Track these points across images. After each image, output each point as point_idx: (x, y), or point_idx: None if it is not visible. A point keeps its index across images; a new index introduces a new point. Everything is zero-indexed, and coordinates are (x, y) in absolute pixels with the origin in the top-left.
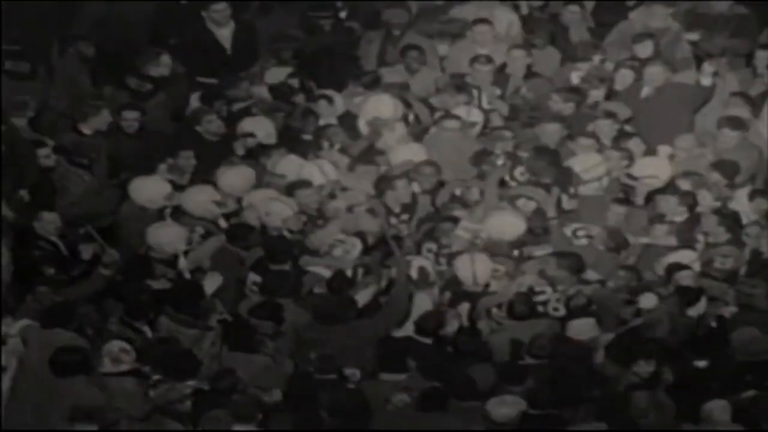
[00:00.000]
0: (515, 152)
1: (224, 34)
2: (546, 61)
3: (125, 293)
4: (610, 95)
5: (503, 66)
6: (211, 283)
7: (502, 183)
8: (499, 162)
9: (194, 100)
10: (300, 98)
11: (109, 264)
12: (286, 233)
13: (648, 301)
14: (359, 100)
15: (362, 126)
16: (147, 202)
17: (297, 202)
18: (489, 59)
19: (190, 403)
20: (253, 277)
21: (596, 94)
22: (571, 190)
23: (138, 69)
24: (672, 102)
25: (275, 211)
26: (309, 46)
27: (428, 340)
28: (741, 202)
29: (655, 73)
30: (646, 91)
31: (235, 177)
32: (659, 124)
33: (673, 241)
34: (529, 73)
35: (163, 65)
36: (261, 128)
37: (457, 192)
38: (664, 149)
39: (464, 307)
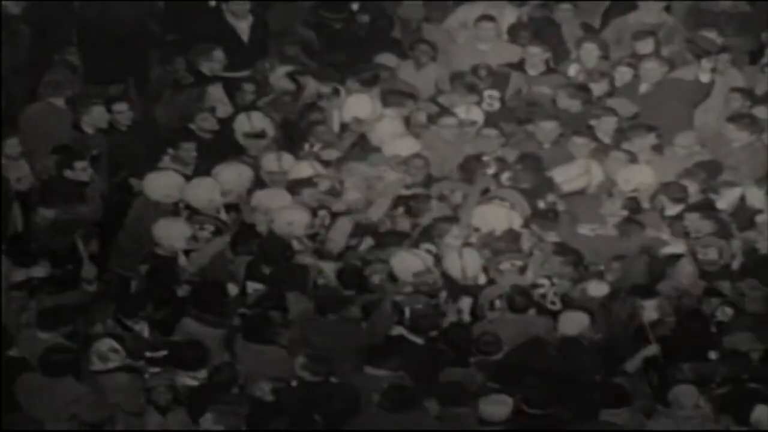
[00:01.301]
0: (505, 158)
1: (243, 27)
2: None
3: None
4: (612, 92)
5: (509, 64)
6: (232, 288)
7: (486, 190)
8: (489, 171)
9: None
10: (305, 92)
11: (90, 279)
12: (295, 242)
13: (599, 289)
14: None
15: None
16: (162, 197)
17: (302, 201)
18: (490, 70)
19: (170, 396)
20: (253, 285)
21: (597, 88)
22: (550, 197)
23: (188, 61)
24: (671, 98)
25: (297, 220)
26: (315, 40)
27: (420, 340)
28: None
29: (652, 69)
30: (644, 88)
31: (232, 175)
32: (658, 121)
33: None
34: (546, 70)
35: (215, 61)
36: (260, 123)
37: (446, 192)
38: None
39: (465, 302)
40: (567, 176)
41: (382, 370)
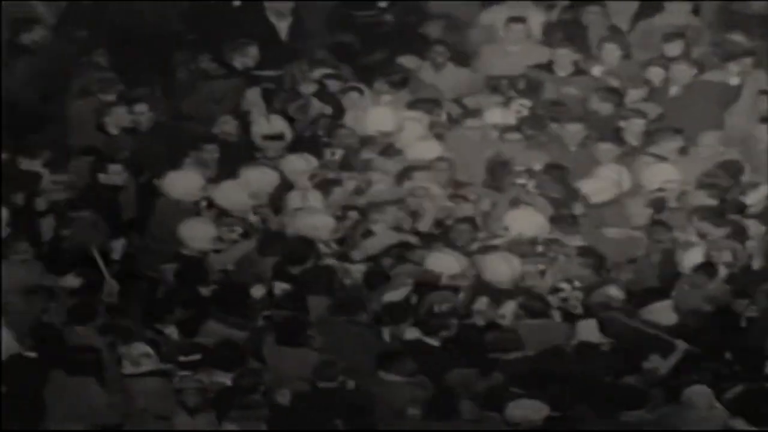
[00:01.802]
0: (532, 168)
1: (282, 26)
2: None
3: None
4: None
5: (538, 65)
6: (257, 290)
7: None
8: (521, 181)
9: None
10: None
11: (110, 294)
12: (322, 245)
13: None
14: (387, 99)
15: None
16: (182, 195)
17: (330, 204)
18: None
19: (199, 399)
20: (281, 285)
21: (632, 91)
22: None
23: (222, 54)
24: (700, 101)
25: (322, 224)
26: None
27: (435, 342)
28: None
29: (681, 72)
30: (674, 90)
31: (259, 177)
32: (688, 123)
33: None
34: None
35: (249, 56)
36: (279, 126)
37: (471, 197)
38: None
39: (509, 306)
40: (594, 188)
41: (398, 376)
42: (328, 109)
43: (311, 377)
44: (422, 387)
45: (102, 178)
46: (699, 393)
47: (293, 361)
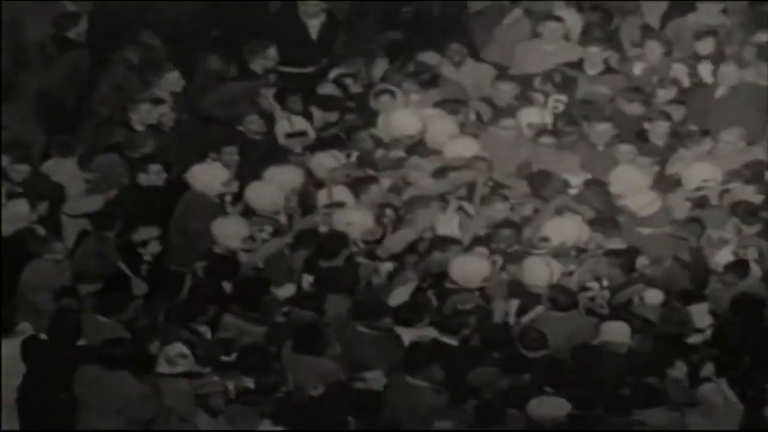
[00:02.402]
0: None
1: (314, 24)
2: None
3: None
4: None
5: (572, 63)
6: (285, 291)
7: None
8: (572, 191)
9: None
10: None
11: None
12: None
13: (654, 297)
14: (416, 98)
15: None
16: (206, 188)
17: (365, 201)
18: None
19: (222, 401)
20: (308, 278)
21: (664, 94)
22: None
23: (242, 57)
24: (741, 103)
25: (357, 221)
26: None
27: (454, 341)
28: None
29: (718, 72)
30: (720, 92)
31: (286, 177)
32: (729, 125)
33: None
34: (605, 70)
35: (269, 58)
36: (301, 125)
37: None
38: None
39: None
40: (640, 204)
41: (425, 382)
42: (333, 116)
43: (331, 380)
44: (444, 392)
45: (142, 178)
46: (714, 391)
47: (311, 367)
